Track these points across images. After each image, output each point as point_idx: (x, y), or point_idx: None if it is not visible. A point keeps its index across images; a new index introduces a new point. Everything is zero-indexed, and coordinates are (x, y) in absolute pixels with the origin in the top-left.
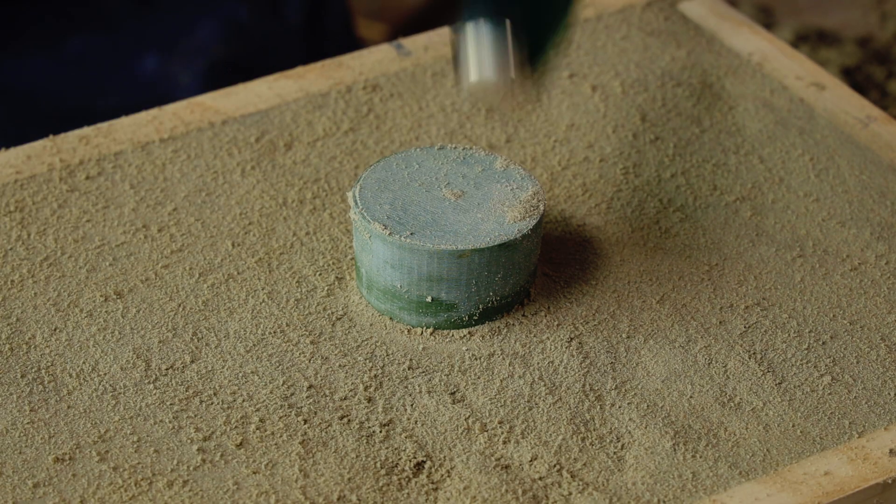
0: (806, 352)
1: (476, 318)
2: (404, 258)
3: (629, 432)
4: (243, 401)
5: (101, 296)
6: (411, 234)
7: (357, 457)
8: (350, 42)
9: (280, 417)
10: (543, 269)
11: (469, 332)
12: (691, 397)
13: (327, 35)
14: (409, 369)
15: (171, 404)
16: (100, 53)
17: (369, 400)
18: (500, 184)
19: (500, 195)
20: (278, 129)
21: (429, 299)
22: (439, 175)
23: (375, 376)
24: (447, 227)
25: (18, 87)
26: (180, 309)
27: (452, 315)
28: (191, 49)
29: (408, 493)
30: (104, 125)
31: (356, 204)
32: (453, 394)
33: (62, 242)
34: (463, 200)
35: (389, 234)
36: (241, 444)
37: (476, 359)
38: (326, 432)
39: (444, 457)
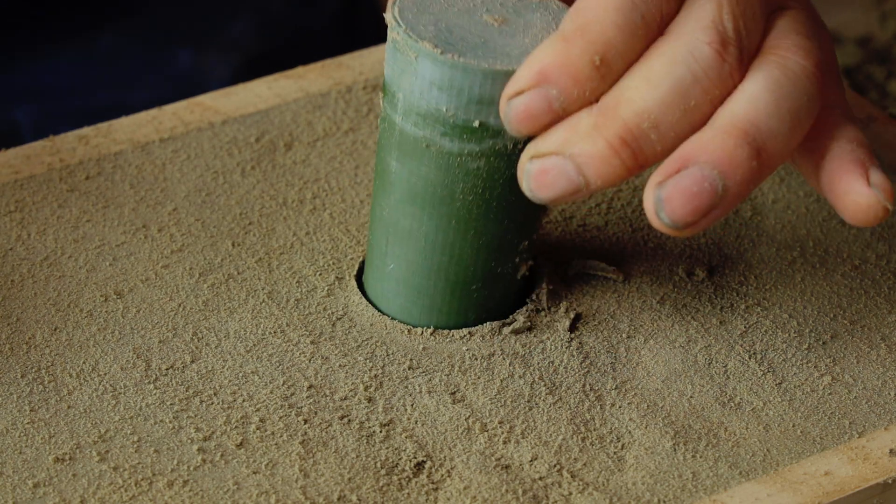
0: (806, 352)
1: (521, 148)
2: (455, 79)
3: (629, 432)
4: (243, 401)
5: (101, 296)
6: (462, 54)
7: (357, 457)
8: (384, 38)
9: (280, 417)
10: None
11: (469, 332)
12: (691, 397)
13: (362, 30)
14: (409, 369)
15: (171, 404)
16: (132, 49)
17: (369, 400)
18: (540, 13)
19: (542, 23)
20: (278, 129)
21: (476, 124)
22: (476, 2)
23: (375, 376)
24: (498, 50)
25: (50, 85)
26: (180, 309)
27: (497, 143)
28: (225, 43)
29: (408, 493)
30: (104, 125)
31: (398, 23)
32: (453, 394)
33: (62, 242)
34: (507, 26)
35: (441, 52)
36: (241, 444)
37: (476, 359)
38: (326, 432)
39: (445, 457)
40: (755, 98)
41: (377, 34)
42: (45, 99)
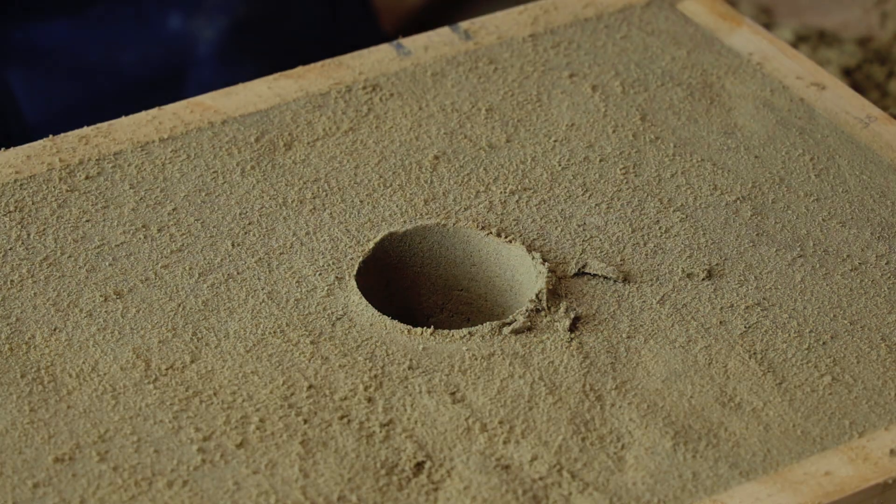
0: (806, 352)
1: None
2: None
3: (629, 432)
4: (243, 401)
5: (100, 296)
6: None
7: (357, 457)
8: (366, 12)
9: (280, 417)
10: (543, 269)
11: (469, 333)
12: (691, 397)
13: (346, 3)
14: (409, 369)
15: (171, 404)
16: (123, 12)
17: (369, 400)
18: None
19: None
20: (278, 129)
21: None
22: None
23: (375, 376)
24: None
25: (42, 48)
26: (180, 309)
27: None
28: (213, 7)
29: (408, 493)
30: (104, 125)
31: None
32: (453, 394)
33: (62, 242)
34: None
35: None
36: (241, 444)
37: (476, 359)
38: (326, 432)
39: (444, 457)
40: None
41: (361, 11)
42: (39, 61)
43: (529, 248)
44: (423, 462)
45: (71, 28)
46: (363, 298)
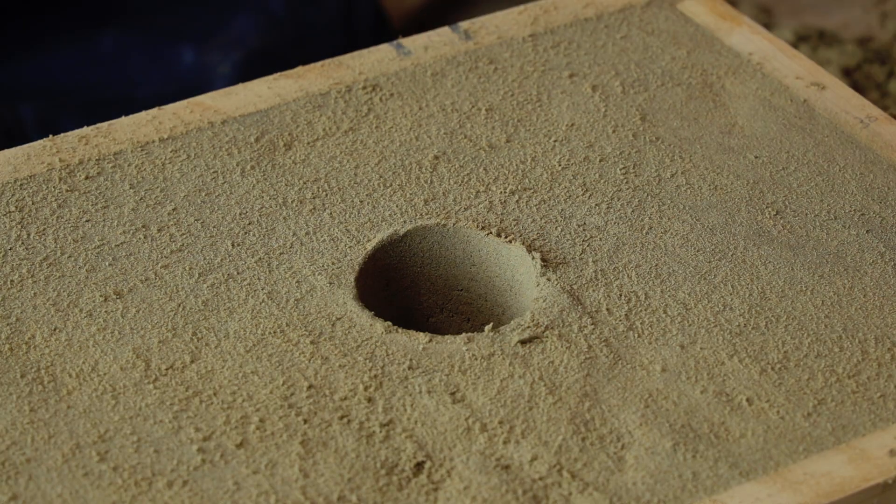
0: (806, 351)
1: None
2: None
3: (629, 432)
4: (243, 401)
5: (100, 296)
6: None
7: (357, 457)
8: (384, 32)
9: (280, 417)
10: (543, 269)
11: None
12: (691, 397)
13: (361, 27)
14: (409, 369)
15: (170, 404)
16: (136, 46)
17: (369, 400)
18: None
19: None
20: (278, 128)
21: None
22: None
23: (375, 376)
24: None
25: (55, 84)
26: (180, 309)
27: None
28: (227, 40)
29: (408, 493)
30: (104, 125)
31: None
32: (453, 394)
33: (62, 242)
34: None
35: None
36: (241, 444)
37: (476, 359)
38: (326, 432)
39: (444, 457)
40: None
41: (376, 31)
42: (51, 95)
43: (529, 248)
44: (423, 462)
45: (84, 63)
46: (362, 300)
